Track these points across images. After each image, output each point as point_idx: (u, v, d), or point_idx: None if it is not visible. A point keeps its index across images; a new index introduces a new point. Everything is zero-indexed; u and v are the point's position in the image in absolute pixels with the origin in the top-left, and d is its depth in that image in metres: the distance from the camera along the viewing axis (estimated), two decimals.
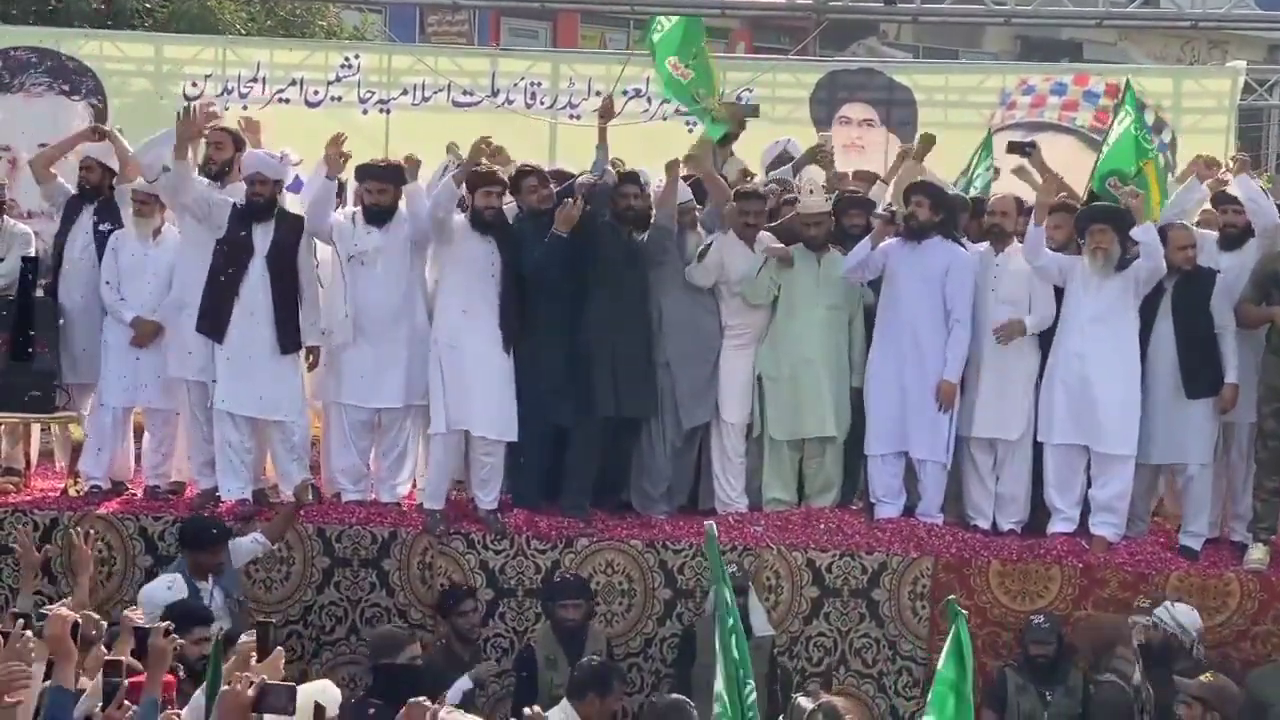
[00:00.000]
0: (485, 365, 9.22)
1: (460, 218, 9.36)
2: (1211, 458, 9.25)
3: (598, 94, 11.40)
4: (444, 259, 9.49)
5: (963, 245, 9.47)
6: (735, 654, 5.64)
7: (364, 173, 9.57)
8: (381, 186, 9.44)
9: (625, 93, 12.21)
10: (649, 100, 12.48)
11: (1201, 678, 7.62)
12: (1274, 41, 30.70)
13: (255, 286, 9.34)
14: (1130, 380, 9.14)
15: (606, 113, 10.17)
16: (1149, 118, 12.44)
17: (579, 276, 9.32)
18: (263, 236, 9.35)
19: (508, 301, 9.28)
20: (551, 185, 9.51)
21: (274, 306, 9.36)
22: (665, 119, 11.88)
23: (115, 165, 10.04)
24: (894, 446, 9.44)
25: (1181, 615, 8.44)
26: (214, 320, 9.33)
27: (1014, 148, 10.35)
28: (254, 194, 9.37)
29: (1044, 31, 25.43)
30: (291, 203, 9.78)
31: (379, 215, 9.43)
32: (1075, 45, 29.40)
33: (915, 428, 9.37)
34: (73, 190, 10.09)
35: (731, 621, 5.72)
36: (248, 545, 8.75)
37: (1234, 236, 9.39)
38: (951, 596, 6.00)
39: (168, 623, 5.95)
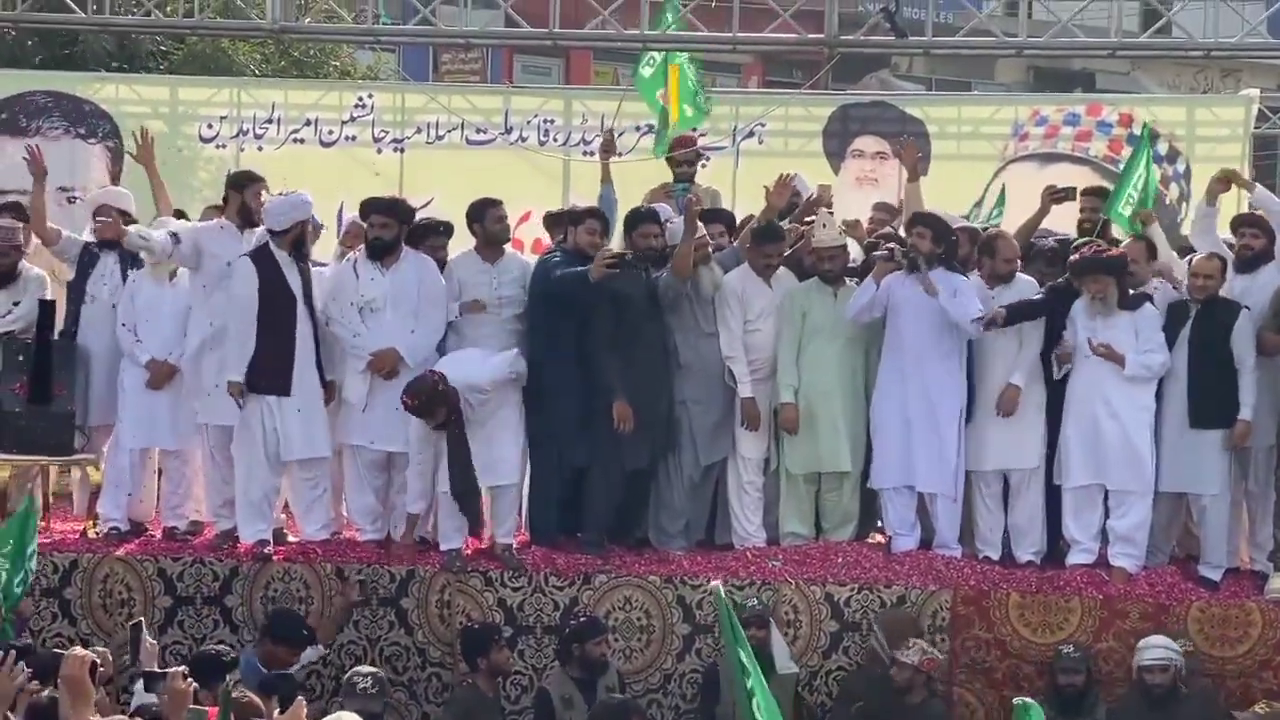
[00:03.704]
0: (487, 420, 9.17)
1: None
2: (1224, 488, 9.19)
3: (611, 130, 11.41)
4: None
5: (965, 276, 9.43)
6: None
7: (368, 206, 9.62)
8: (384, 220, 9.46)
9: (638, 129, 12.25)
10: None
11: (1256, 709, 7.60)
12: None
13: (305, 330, 9.37)
14: (1142, 416, 9.13)
15: (608, 148, 10.19)
16: (1162, 148, 12.46)
17: (590, 317, 9.29)
18: (295, 279, 9.38)
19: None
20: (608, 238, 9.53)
21: (315, 346, 9.42)
22: None
23: (133, 210, 10.07)
24: (901, 480, 9.42)
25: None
26: (277, 374, 9.27)
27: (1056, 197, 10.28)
28: (300, 234, 9.36)
29: (1056, 62, 25.43)
30: None
31: (381, 250, 9.44)
32: (1088, 75, 29.39)
33: (921, 461, 9.34)
34: (82, 239, 10.07)
35: (750, 683, 5.65)
36: (307, 654, 8.65)
37: (1249, 260, 9.39)
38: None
39: (183, 667, 5.94)
